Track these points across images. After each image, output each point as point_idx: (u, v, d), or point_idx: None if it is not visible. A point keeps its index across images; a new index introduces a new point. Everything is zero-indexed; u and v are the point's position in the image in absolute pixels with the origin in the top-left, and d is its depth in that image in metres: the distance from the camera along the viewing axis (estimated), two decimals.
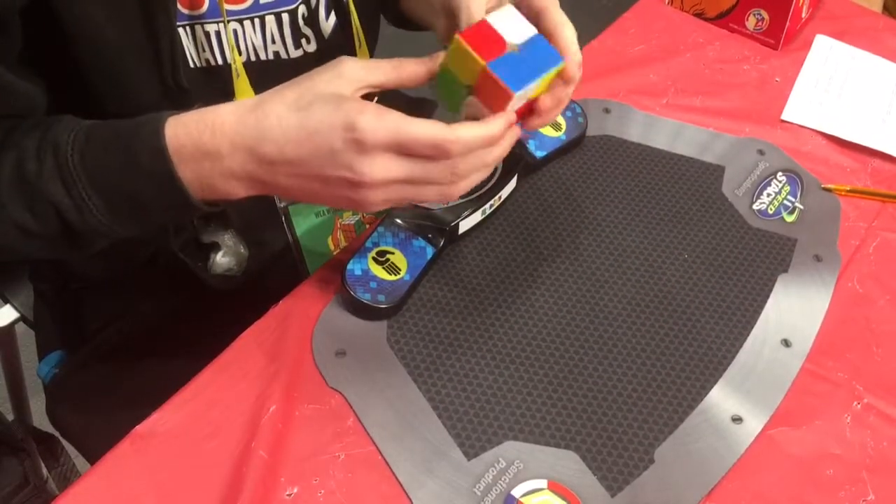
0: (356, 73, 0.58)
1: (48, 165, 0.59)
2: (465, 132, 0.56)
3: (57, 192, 0.59)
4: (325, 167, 0.57)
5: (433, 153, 0.56)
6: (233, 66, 0.70)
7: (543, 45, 0.60)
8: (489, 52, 0.57)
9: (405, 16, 0.86)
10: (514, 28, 0.59)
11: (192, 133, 0.58)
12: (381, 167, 0.56)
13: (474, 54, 0.57)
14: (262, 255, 0.85)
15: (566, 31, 0.63)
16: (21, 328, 0.99)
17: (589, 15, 0.63)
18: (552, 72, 0.60)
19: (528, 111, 0.64)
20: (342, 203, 0.60)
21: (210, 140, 0.58)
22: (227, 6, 0.69)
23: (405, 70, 0.60)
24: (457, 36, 0.57)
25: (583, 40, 0.66)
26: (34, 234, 0.60)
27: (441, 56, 0.60)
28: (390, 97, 0.63)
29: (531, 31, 0.60)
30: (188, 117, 0.58)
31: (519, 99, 0.58)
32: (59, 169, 0.58)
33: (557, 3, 0.64)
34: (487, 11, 0.63)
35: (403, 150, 0.56)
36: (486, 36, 0.58)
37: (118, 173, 0.58)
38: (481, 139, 0.57)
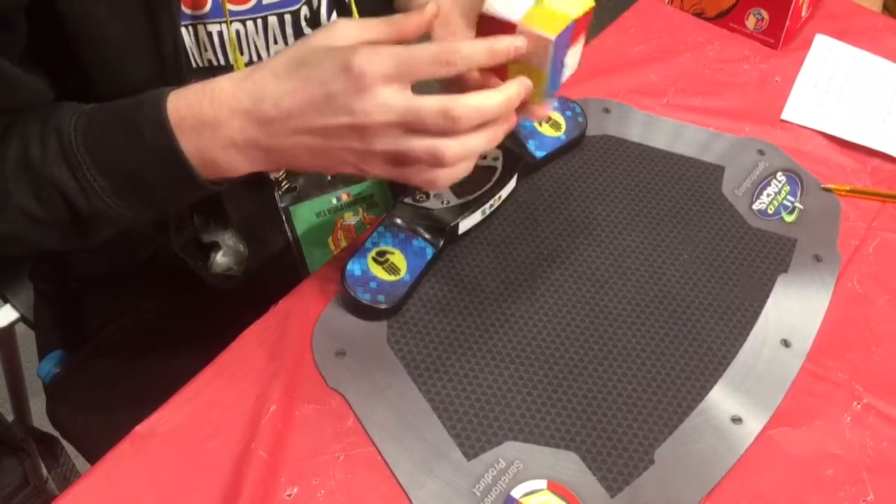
0: (350, 30, 0.57)
1: (52, 150, 0.58)
2: (465, 44, 0.55)
3: (62, 176, 0.58)
4: (325, 115, 0.55)
5: (436, 68, 0.54)
6: (235, 67, 0.70)
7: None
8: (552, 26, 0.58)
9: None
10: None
11: (193, 104, 0.58)
12: (381, 104, 0.54)
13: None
14: (262, 254, 0.85)
15: None
16: (21, 328, 0.99)
17: None
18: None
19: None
20: (344, 158, 0.58)
21: (209, 108, 0.57)
22: (229, 6, 0.69)
23: (399, 22, 0.59)
24: None
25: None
26: (41, 221, 0.60)
27: (432, 5, 0.60)
28: None
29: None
30: (188, 90, 0.58)
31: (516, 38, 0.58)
32: (64, 152, 0.58)
33: None
34: None
35: (404, 74, 0.54)
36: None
37: (121, 151, 0.58)
38: (484, 50, 0.56)
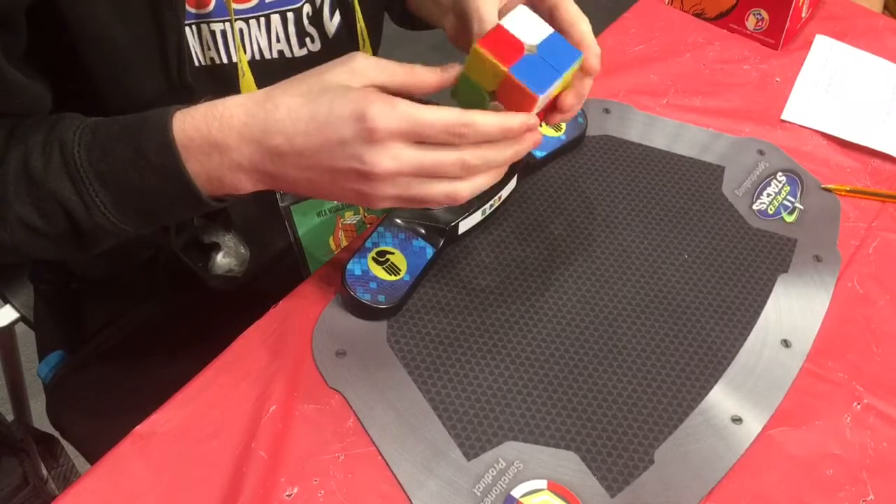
0: (368, 70, 0.58)
1: (54, 162, 0.58)
2: (480, 118, 0.56)
3: (64, 190, 0.58)
4: (335, 158, 0.56)
5: (447, 138, 0.55)
6: (239, 66, 0.70)
7: (560, 42, 0.60)
8: (509, 57, 0.57)
9: (412, 15, 0.86)
10: (529, 29, 0.59)
11: (200, 126, 0.57)
12: (391, 158, 0.55)
13: (495, 61, 0.57)
14: (263, 255, 0.85)
15: (582, 26, 0.63)
16: (21, 328, 0.99)
17: (589, 15, 0.63)
18: (573, 68, 0.60)
19: (550, 107, 0.64)
20: (349, 197, 0.59)
21: (218, 132, 0.57)
22: (233, 5, 0.69)
23: (417, 75, 0.59)
24: (475, 45, 0.57)
25: None
26: (41, 232, 0.60)
27: (455, 68, 0.60)
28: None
29: (547, 29, 0.60)
30: (196, 110, 0.58)
31: (542, 100, 0.59)
32: (66, 165, 0.58)
33: None
34: (500, 12, 0.63)
35: (415, 137, 0.55)
36: (504, 40, 0.58)
37: (125, 169, 0.58)
38: (497, 128, 0.56)
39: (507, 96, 0.58)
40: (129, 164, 0.58)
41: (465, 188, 0.58)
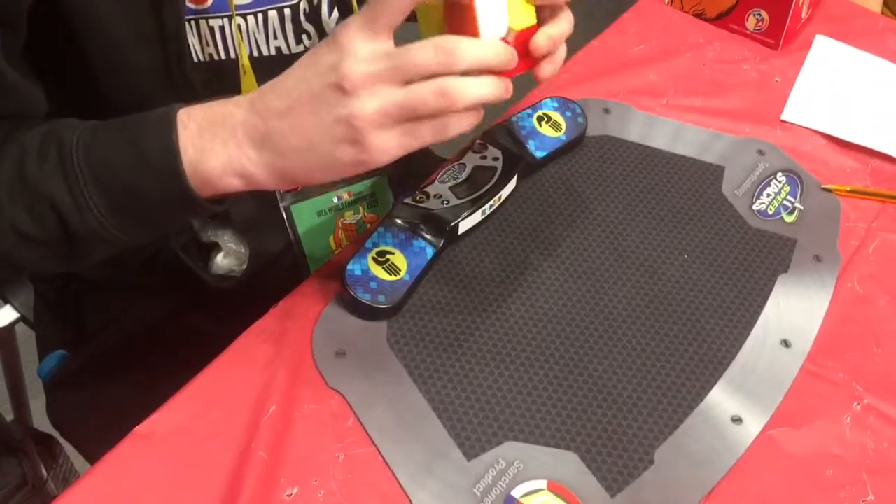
0: None
1: (50, 162, 0.58)
2: (458, 40, 0.55)
3: (58, 190, 0.58)
4: (311, 82, 0.56)
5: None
6: (240, 64, 0.70)
7: None
8: None
9: None
10: None
11: (205, 105, 0.59)
12: (363, 59, 0.54)
13: None
14: (262, 254, 0.85)
15: None
16: (21, 328, 0.99)
17: (589, 15, 0.63)
18: None
19: (530, 60, 0.61)
20: (338, 132, 0.56)
21: (220, 106, 0.58)
22: (233, 1, 0.69)
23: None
24: None
25: (583, 40, 0.66)
26: (32, 238, 0.59)
27: None
28: None
29: None
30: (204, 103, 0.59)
31: (489, 19, 0.56)
32: (62, 165, 0.58)
33: None
34: None
35: (373, 14, 0.54)
36: None
37: (122, 167, 0.58)
38: (491, 49, 0.55)
39: (453, 14, 0.58)
40: (128, 164, 0.58)
41: (459, 83, 0.54)
